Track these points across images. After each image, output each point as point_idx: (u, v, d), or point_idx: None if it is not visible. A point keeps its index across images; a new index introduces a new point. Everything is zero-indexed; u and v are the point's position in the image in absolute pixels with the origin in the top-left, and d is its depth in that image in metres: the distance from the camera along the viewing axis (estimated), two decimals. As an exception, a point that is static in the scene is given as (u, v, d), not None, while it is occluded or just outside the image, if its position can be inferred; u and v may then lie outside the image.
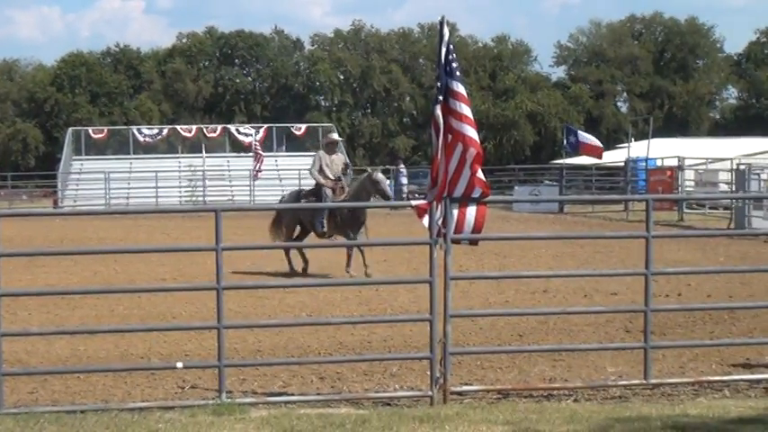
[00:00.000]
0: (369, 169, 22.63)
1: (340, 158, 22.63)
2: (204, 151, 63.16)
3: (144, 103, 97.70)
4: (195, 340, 14.07)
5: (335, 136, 23.38)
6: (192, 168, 59.31)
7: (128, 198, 55.59)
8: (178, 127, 69.56)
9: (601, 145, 44.13)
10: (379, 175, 21.64)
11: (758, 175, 34.98)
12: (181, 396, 11.35)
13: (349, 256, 21.37)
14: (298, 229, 22.58)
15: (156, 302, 17.21)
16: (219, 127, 69.07)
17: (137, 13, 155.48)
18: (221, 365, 10.89)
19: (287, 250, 21.93)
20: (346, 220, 21.60)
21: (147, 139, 65.00)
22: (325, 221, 21.73)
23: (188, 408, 10.36)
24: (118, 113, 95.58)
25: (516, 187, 52.30)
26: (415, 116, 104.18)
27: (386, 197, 21.66)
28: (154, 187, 53.30)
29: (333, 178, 21.94)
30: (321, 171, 21.94)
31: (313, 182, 22.46)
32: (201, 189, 55.77)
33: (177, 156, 64.23)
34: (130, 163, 61.44)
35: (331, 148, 22.60)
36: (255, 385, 11.83)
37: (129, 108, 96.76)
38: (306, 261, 21.98)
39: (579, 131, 46.49)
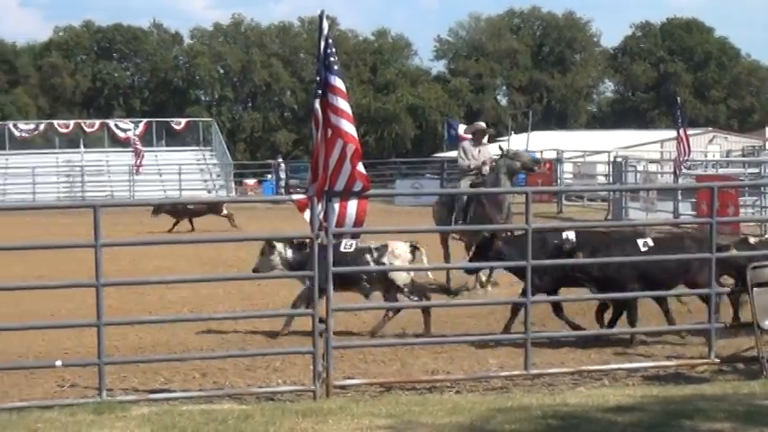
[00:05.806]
0: (502, 149, 19.78)
1: (488, 150, 19.71)
2: (83, 146, 62.28)
3: (20, 97, 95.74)
4: (75, 338, 13.85)
5: (482, 124, 20.44)
6: (71, 164, 58.41)
7: (4, 194, 54.59)
8: (55, 122, 68.26)
9: None
10: (518, 149, 19.59)
11: (634, 167, 35.60)
12: (60, 395, 11.21)
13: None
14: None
15: (35, 300, 16.87)
16: (98, 122, 67.95)
17: (12, 6, 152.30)
18: (101, 363, 10.77)
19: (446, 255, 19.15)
20: (479, 216, 18.65)
21: (23, 134, 63.71)
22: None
23: (68, 406, 10.20)
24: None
25: (398, 181, 52.40)
26: (296, 110, 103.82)
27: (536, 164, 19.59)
28: (31, 183, 52.38)
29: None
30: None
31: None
32: (80, 184, 54.99)
33: (55, 151, 63.05)
34: (6, 158, 60.16)
35: (477, 137, 19.64)
36: (136, 382, 11.72)
37: (4, 103, 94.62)
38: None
39: (460, 125, 46.78)
